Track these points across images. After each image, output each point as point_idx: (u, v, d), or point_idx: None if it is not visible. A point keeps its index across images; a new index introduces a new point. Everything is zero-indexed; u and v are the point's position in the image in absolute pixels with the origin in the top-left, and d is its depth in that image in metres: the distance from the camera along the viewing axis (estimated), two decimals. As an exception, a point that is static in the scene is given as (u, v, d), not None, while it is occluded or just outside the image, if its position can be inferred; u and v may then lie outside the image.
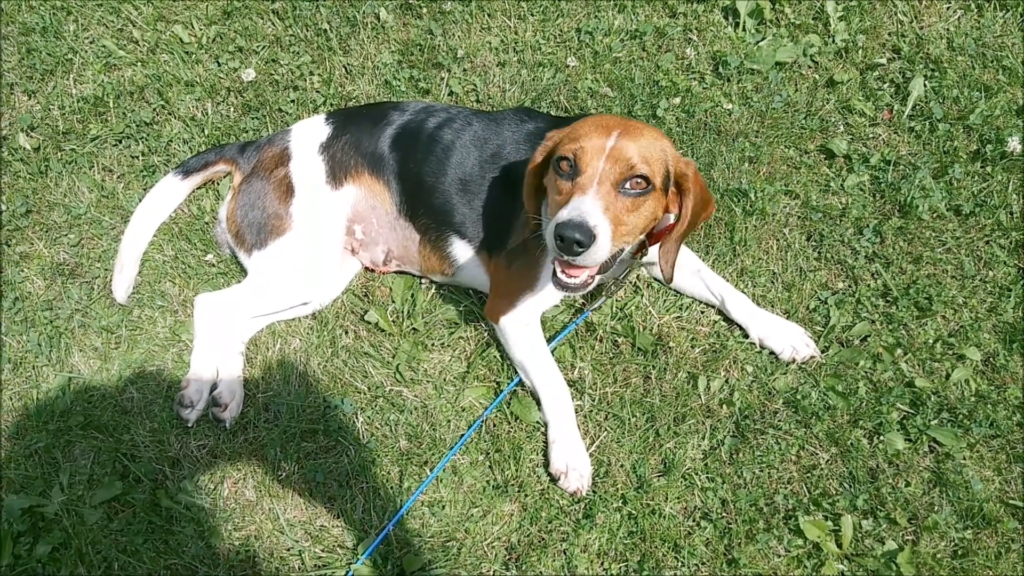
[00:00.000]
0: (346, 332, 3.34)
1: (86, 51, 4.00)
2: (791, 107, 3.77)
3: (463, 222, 3.21)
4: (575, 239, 2.48)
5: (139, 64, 3.97)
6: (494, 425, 3.09)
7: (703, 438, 3.03)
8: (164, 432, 3.11)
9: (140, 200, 3.52)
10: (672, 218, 2.92)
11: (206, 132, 3.79)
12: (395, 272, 3.47)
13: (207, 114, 3.83)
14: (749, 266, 3.39)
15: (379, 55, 3.98)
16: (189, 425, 3.12)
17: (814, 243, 3.45)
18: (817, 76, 3.87)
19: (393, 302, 3.40)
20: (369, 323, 3.32)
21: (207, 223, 3.58)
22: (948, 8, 4.01)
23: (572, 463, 2.94)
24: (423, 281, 3.44)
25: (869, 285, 3.33)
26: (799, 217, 3.51)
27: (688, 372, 3.16)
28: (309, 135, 3.37)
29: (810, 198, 3.53)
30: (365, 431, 3.09)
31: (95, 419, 3.15)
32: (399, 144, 3.28)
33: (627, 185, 2.61)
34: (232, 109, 3.86)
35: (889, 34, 3.96)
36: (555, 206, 2.66)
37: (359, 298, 3.42)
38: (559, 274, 2.68)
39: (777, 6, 4.03)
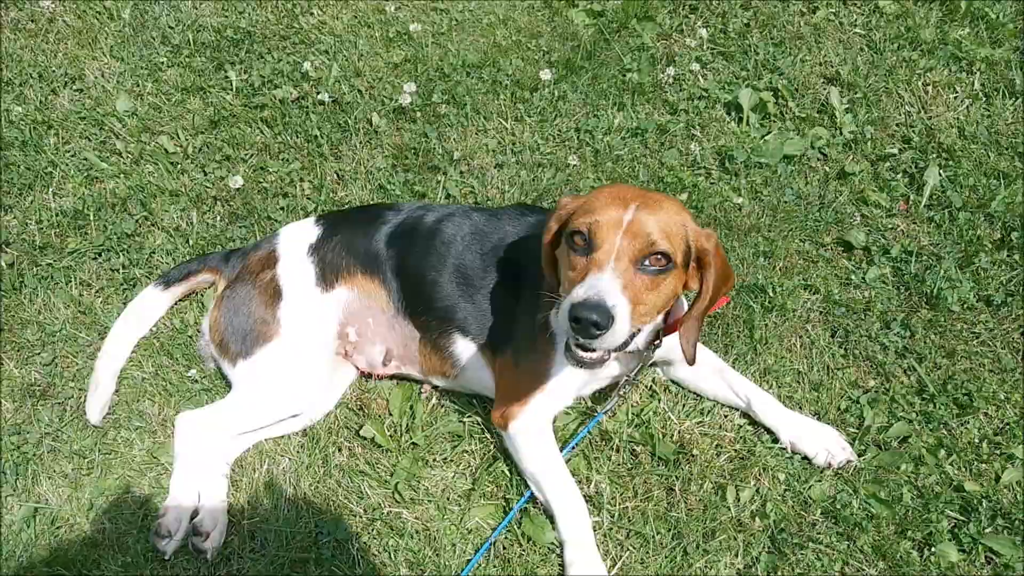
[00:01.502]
0: (339, 449, 3.11)
1: (67, 164, 3.90)
2: (803, 200, 3.67)
3: (465, 318, 3.05)
4: (592, 320, 2.29)
5: (122, 176, 3.87)
6: (504, 548, 2.83)
7: (736, 555, 2.77)
8: (138, 566, 2.84)
9: (119, 315, 3.34)
10: (685, 305, 2.77)
11: (191, 242, 3.65)
12: (393, 377, 3.27)
13: (192, 224, 3.70)
14: (772, 365, 3.21)
15: (372, 160, 3.89)
16: (166, 557, 2.85)
17: (840, 339, 3.28)
18: (827, 168, 3.79)
19: (391, 415, 3.19)
20: (365, 439, 3.10)
21: (191, 336, 3.40)
22: (955, 98, 3.98)
23: (592, 588, 2.69)
24: (422, 391, 3.24)
25: (903, 382, 3.14)
26: (821, 312, 3.35)
27: (715, 482, 2.92)
28: (298, 237, 3.24)
29: (831, 292, 3.38)
30: (361, 559, 2.83)
31: (62, 554, 2.88)
32: (396, 240, 3.16)
33: (646, 262, 2.45)
34: (219, 218, 3.74)
35: (898, 125, 3.91)
36: (569, 283, 2.49)
37: (353, 412, 3.21)
38: (573, 347, 2.49)
39: (780, 100, 3.99)
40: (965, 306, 3.30)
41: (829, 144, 3.85)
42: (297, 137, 3.96)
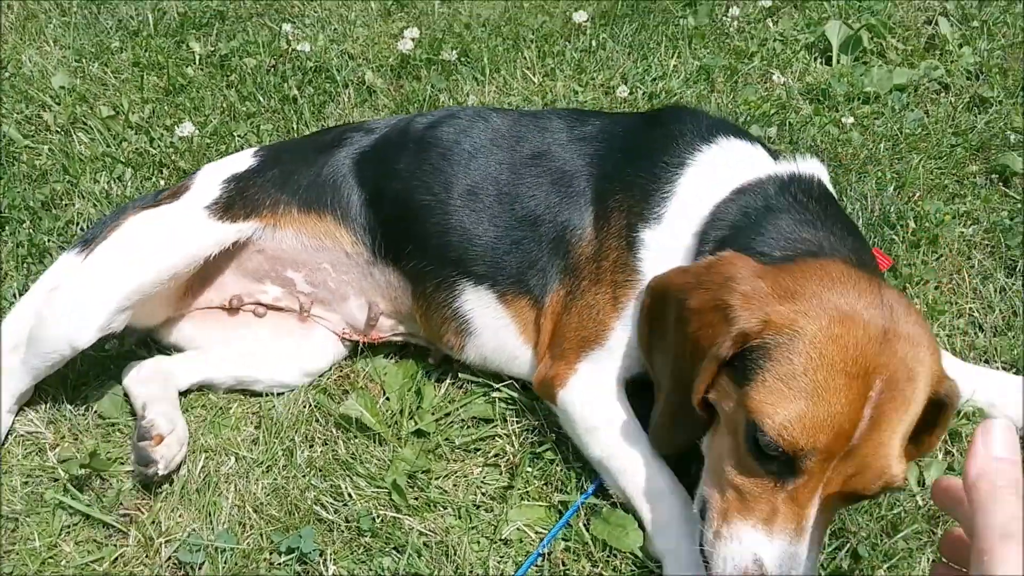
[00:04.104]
0: (310, 443, 2.14)
1: (-22, 142, 3.10)
2: (931, 128, 2.82)
3: (480, 256, 2.10)
4: None
5: (45, 146, 3.05)
6: (564, 563, 1.82)
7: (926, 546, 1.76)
8: None
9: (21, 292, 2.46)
10: None
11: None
12: (392, 341, 2.34)
13: (125, 185, 2.85)
14: (934, 306, 2.26)
15: (363, 117, 3.09)
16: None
17: (1023, 278, 2.34)
18: (953, 99, 2.96)
19: (387, 398, 2.23)
20: (347, 423, 2.13)
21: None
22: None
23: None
24: (431, 365, 2.29)
25: None
26: (987, 245, 2.43)
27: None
28: (223, 167, 2.34)
29: (1000, 220, 2.47)
30: (339, 587, 1.82)
31: None
32: (369, 163, 2.25)
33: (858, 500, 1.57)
34: (163, 183, 2.88)
35: (1030, 56, 3.11)
36: (734, 495, 1.55)
37: (331, 397, 2.25)
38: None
39: (876, 36, 3.21)
40: None
41: (949, 73, 3.03)
42: (271, 100, 3.17)
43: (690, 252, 1.85)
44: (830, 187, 1.94)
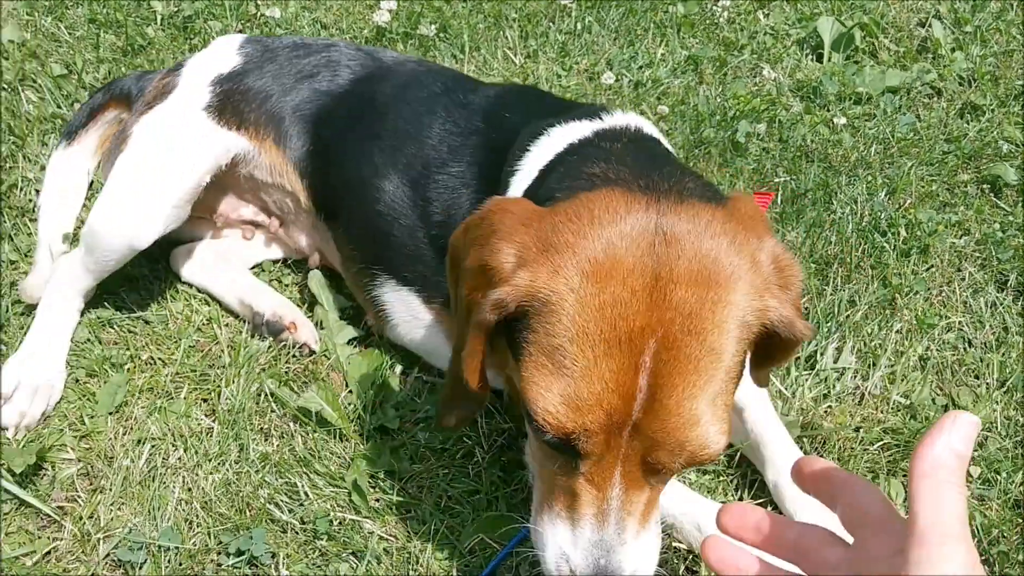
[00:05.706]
0: (266, 436, 2.02)
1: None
2: (923, 133, 2.76)
3: (407, 265, 2.03)
4: None
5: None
6: (534, 577, 1.73)
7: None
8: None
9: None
10: None
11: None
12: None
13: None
14: (923, 319, 2.19)
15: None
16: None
17: (1014, 291, 2.29)
18: (945, 105, 2.90)
19: (349, 390, 2.12)
20: (305, 415, 2.01)
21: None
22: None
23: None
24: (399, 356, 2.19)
25: None
26: (978, 258, 2.38)
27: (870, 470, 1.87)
28: (207, 63, 2.28)
29: (992, 233, 2.42)
30: (292, 594, 1.71)
31: None
32: (325, 117, 2.17)
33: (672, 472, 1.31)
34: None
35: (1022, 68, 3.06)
36: (546, 490, 1.41)
37: (290, 387, 2.13)
38: None
39: (868, 36, 3.14)
40: None
41: (942, 78, 2.97)
42: (236, 67, 3.02)
43: None
44: (657, 134, 1.78)
